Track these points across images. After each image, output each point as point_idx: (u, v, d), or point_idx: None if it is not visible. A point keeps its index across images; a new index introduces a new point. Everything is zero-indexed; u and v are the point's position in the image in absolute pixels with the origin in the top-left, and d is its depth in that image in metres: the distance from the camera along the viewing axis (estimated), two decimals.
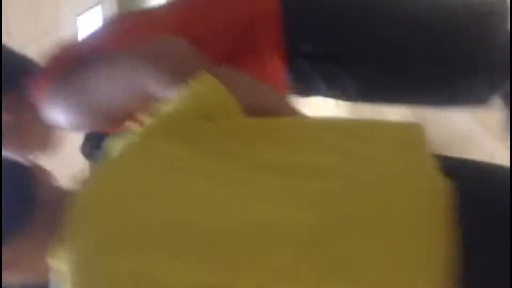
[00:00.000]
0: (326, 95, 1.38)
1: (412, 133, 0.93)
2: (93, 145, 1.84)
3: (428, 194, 0.83)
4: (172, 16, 1.32)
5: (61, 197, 0.90)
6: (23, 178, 0.93)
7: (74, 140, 1.46)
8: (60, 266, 0.85)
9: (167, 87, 1.04)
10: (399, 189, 0.84)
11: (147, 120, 1.02)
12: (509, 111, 1.30)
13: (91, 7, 3.20)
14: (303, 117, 1.11)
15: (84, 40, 1.37)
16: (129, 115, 1.14)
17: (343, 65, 1.31)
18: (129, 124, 1.17)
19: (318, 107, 1.82)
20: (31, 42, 2.92)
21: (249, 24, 1.29)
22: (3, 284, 0.92)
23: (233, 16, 1.30)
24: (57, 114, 1.19)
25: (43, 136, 1.34)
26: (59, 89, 1.18)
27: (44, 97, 1.20)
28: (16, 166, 0.97)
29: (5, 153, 1.30)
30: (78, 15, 3.21)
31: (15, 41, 2.25)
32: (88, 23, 3.13)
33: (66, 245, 0.84)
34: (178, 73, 1.05)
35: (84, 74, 1.16)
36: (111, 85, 1.12)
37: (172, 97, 1.04)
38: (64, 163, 1.71)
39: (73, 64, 1.19)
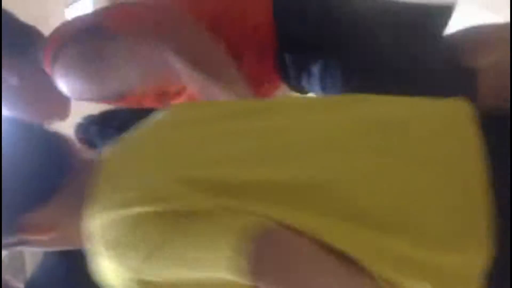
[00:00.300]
0: (313, 90, 1.38)
1: (456, 112, 0.95)
2: (90, 123, 1.84)
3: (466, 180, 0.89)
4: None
5: (91, 166, 0.96)
6: (60, 146, 1.00)
7: None
8: (91, 228, 0.90)
9: (187, 59, 1.08)
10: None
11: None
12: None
13: None
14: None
15: (87, 14, 1.40)
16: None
17: (334, 58, 1.32)
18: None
19: None
20: None
21: (242, 22, 1.30)
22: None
23: (224, 13, 1.30)
24: (66, 81, 1.21)
25: (59, 103, 1.36)
26: (66, 58, 1.20)
27: (52, 65, 1.22)
28: (54, 136, 1.02)
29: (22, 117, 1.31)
30: (67, 6, 3.21)
31: None
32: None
33: (94, 207, 0.88)
34: (195, 46, 1.08)
35: (101, 48, 1.18)
36: (132, 62, 1.15)
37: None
38: None
39: (78, 33, 1.21)
